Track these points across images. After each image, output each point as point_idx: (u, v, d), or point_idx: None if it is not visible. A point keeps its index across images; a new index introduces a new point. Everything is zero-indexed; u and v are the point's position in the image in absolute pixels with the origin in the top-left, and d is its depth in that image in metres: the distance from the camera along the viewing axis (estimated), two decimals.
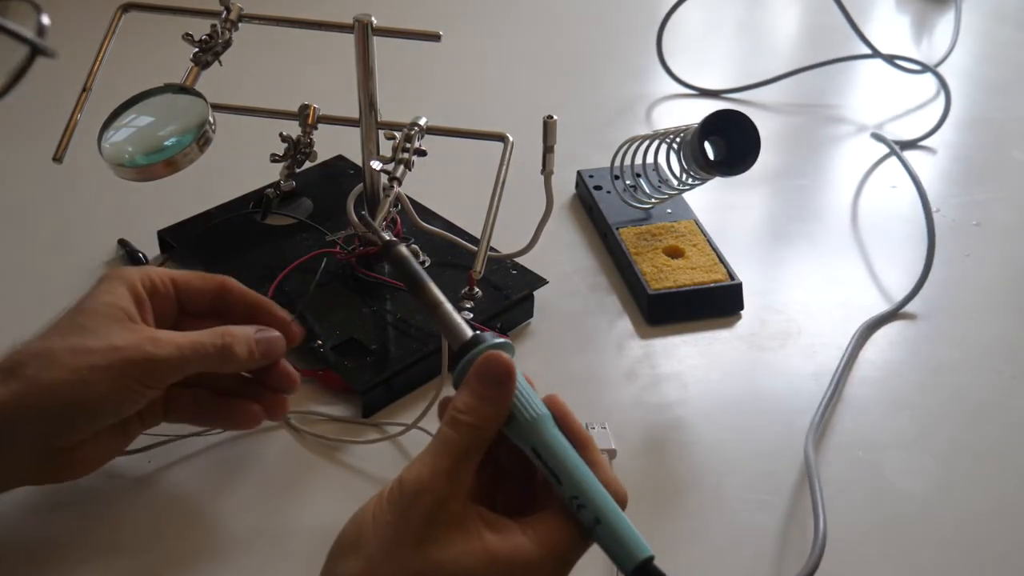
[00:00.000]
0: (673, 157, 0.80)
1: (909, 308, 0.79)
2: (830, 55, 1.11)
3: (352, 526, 0.43)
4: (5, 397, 0.49)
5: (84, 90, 0.69)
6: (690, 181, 0.79)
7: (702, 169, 0.76)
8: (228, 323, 0.57)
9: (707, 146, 0.75)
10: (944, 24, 1.21)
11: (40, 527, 0.58)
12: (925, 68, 1.10)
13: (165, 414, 0.58)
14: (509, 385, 0.43)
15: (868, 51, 1.09)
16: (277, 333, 0.58)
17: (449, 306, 0.46)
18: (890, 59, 1.10)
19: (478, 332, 0.45)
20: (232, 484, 0.62)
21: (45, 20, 0.34)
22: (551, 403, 0.45)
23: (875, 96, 1.10)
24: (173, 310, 0.58)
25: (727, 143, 0.75)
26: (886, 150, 0.97)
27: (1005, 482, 0.64)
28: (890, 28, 1.27)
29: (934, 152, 0.96)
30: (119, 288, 0.53)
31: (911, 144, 0.99)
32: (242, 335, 0.56)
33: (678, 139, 0.79)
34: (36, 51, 0.33)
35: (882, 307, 0.78)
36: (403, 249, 0.48)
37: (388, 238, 0.49)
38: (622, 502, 0.44)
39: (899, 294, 0.80)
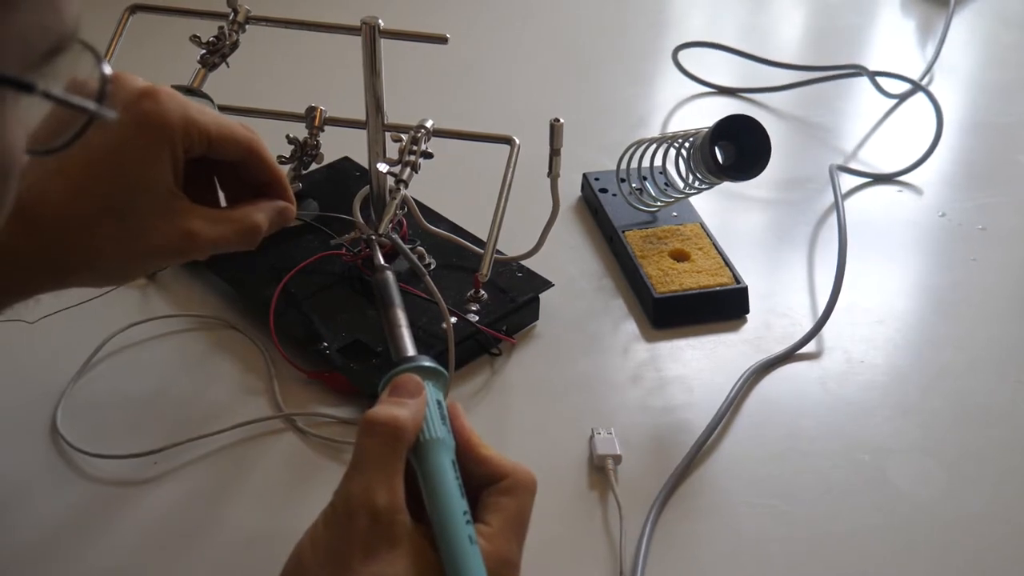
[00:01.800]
0: (680, 161, 0.80)
1: (914, 311, 0.79)
2: (840, 60, 1.11)
3: (292, 558, 0.43)
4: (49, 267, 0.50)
5: None
6: (697, 185, 0.79)
7: (711, 173, 0.76)
8: (242, 181, 0.56)
9: (717, 151, 0.75)
10: (950, 28, 1.21)
11: (44, 527, 0.58)
12: (916, 87, 1.05)
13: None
14: (419, 397, 0.45)
15: (855, 70, 1.08)
16: (287, 204, 0.58)
17: (406, 331, 0.51)
18: (873, 76, 1.07)
19: (415, 355, 0.48)
20: (238, 486, 0.62)
21: (107, 70, 0.32)
22: (451, 408, 0.47)
23: (872, 110, 1.08)
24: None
25: (737, 148, 0.75)
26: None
27: (1011, 486, 0.64)
28: (894, 33, 1.27)
29: (919, 191, 0.95)
30: (163, 156, 0.51)
31: (891, 178, 0.94)
32: (265, 223, 0.56)
33: (686, 143, 0.79)
34: (96, 116, 0.31)
35: (887, 311, 0.78)
36: (389, 276, 0.54)
37: (381, 262, 0.56)
38: (529, 484, 0.44)
39: (903, 298, 0.80)
